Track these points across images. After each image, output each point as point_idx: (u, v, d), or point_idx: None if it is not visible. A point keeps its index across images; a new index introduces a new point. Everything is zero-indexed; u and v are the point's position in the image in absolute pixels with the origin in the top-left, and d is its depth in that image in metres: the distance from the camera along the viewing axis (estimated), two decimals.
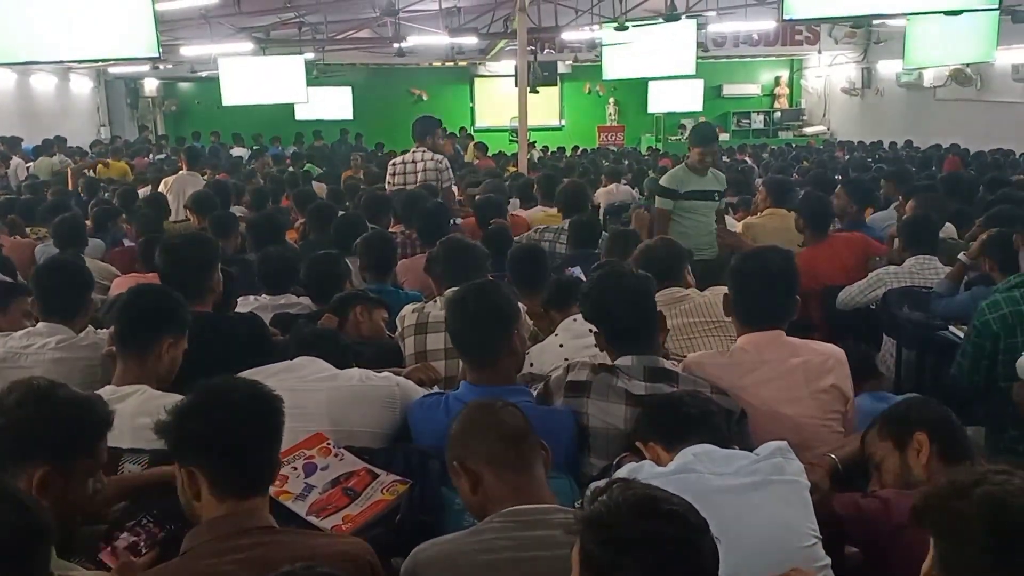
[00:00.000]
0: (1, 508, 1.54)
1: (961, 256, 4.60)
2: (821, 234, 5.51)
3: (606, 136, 22.16)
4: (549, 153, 19.16)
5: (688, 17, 13.74)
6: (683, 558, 1.48)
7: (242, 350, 3.16)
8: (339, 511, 2.37)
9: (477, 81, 24.29)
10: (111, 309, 3.15)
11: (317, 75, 18.84)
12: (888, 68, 19.80)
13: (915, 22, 11.75)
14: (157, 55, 7.12)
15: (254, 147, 18.95)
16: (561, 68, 21.86)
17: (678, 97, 19.41)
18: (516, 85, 13.00)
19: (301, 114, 18.40)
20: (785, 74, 24.69)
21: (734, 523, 1.92)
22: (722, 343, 3.55)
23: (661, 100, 19.82)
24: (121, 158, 14.48)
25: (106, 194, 9.28)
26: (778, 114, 24.27)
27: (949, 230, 6.14)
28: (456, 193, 7.90)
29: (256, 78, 14.41)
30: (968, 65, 15.62)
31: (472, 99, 24.46)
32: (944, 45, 11.79)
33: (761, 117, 24.13)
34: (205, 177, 10.20)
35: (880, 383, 3.75)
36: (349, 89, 20.15)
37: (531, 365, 3.35)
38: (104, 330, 3.28)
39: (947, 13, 8.92)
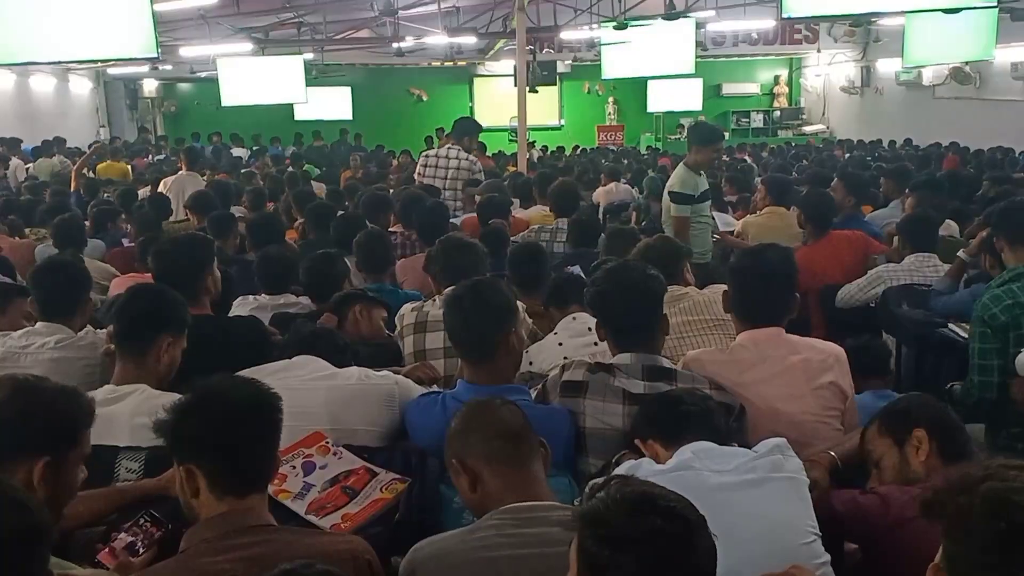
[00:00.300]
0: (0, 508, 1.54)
1: (961, 253, 4.60)
2: (822, 232, 5.51)
3: (605, 135, 22.16)
4: (548, 153, 19.17)
5: (687, 16, 13.74)
6: (680, 555, 1.48)
7: (241, 353, 3.15)
8: (338, 510, 2.37)
9: (476, 81, 24.29)
10: (110, 309, 3.15)
11: (316, 75, 18.84)
12: (887, 67, 19.79)
13: (914, 20, 11.75)
14: (156, 56, 7.12)
15: (253, 147, 18.96)
16: (560, 67, 21.87)
17: (677, 96, 19.41)
18: (515, 85, 13.00)
19: (300, 114, 18.42)
20: (784, 73, 24.69)
21: (733, 520, 1.92)
22: (721, 341, 3.55)
23: (660, 99, 19.83)
24: (120, 159, 14.49)
25: (106, 195, 9.29)
26: (777, 113, 24.27)
27: (952, 228, 6.14)
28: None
29: (255, 78, 14.41)
30: (967, 63, 15.62)
31: (471, 99, 24.45)
32: (943, 43, 11.79)
33: (760, 116, 24.12)
34: (204, 178, 10.20)
35: (885, 381, 3.74)
36: (348, 89, 20.16)
37: (530, 364, 3.36)
38: (103, 330, 3.28)
39: (946, 11, 8.94)
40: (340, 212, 6.50)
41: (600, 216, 9.12)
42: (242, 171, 12.94)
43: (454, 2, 15.97)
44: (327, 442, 2.57)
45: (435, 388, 3.03)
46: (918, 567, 1.55)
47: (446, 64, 21.91)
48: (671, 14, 12.75)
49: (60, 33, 6.75)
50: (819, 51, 21.78)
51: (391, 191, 8.40)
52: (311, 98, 15.63)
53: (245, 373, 2.60)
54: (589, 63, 20.40)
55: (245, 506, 1.96)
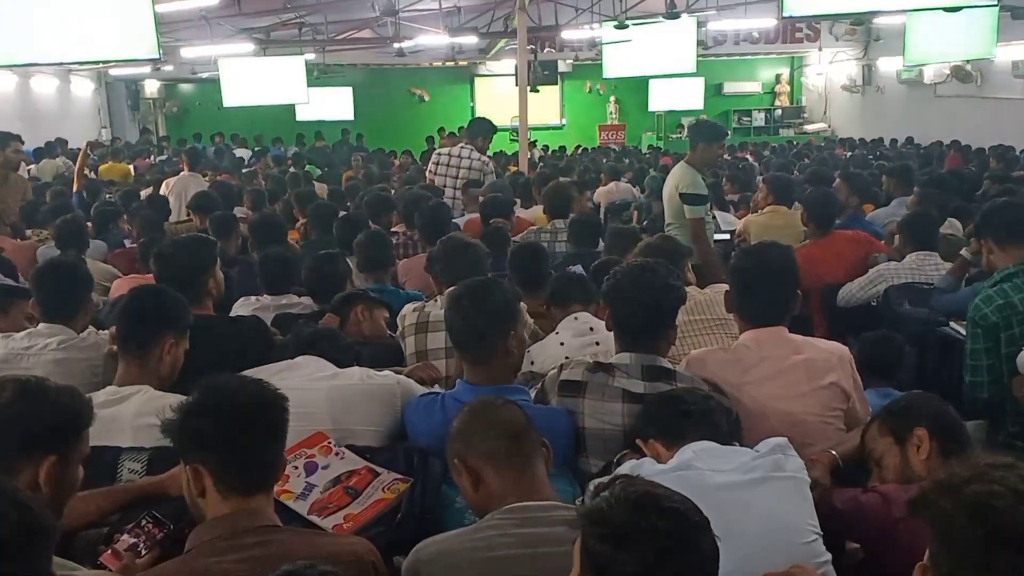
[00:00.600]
0: (2, 508, 1.54)
1: (964, 252, 4.60)
2: (824, 231, 5.50)
3: (607, 135, 22.16)
4: (549, 152, 19.18)
5: (688, 15, 13.74)
6: (682, 555, 1.48)
7: (244, 353, 3.16)
8: (340, 510, 2.37)
9: (478, 80, 24.29)
10: (112, 310, 3.16)
11: (318, 76, 18.84)
12: (888, 65, 19.78)
13: (915, 19, 11.75)
14: (158, 57, 7.13)
15: (255, 148, 18.97)
16: (561, 67, 21.89)
17: (679, 95, 19.40)
18: (516, 84, 13.01)
19: (302, 115, 18.41)
20: (786, 72, 24.69)
21: (734, 520, 1.92)
22: (722, 341, 3.55)
23: (662, 98, 19.81)
24: (122, 160, 14.50)
25: (108, 196, 9.29)
26: (779, 112, 24.27)
27: (955, 226, 6.14)
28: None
29: (257, 79, 14.42)
30: (968, 62, 15.61)
31: (472, 98, 24.46)
32: (944, 42, 11.80)
33: (762, 115, 24.13)
34: (207, 178, 10.21)
35: (888, 379, 3.74)
36: (350, 89, 20.16)
37: (531, 363, 3.36)
38: (105, 331, 3.29)
39: (947, 10, 8.94)
40: (342, 212, 6.51)
41: (601, 216, 9.13)
42: (244, 171, 12.96)
43: (455, 2, 15.98)
44: (329, 442, 2.57)
45: (436, 388, 3.03)
46: None
47: (447, 64, 21.92)
48: (672, 13, 12.75)
49: (62, 35, 6.76)
50: (820, 50, 21.78)
51: (393, 191, 8.42)
52: (312, 98, 15.64)
53: (248, 373, 2.60)
54: (590, 62, 20.40)
55: (251, 506, 1.97)
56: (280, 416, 2.05)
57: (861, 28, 20.41)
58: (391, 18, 15.59)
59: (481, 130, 7.91)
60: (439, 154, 8.06)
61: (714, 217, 6.29)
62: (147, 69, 20.10)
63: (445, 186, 7.71)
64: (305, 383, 2.79)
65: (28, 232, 7.04)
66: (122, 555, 2.10)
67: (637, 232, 5.60)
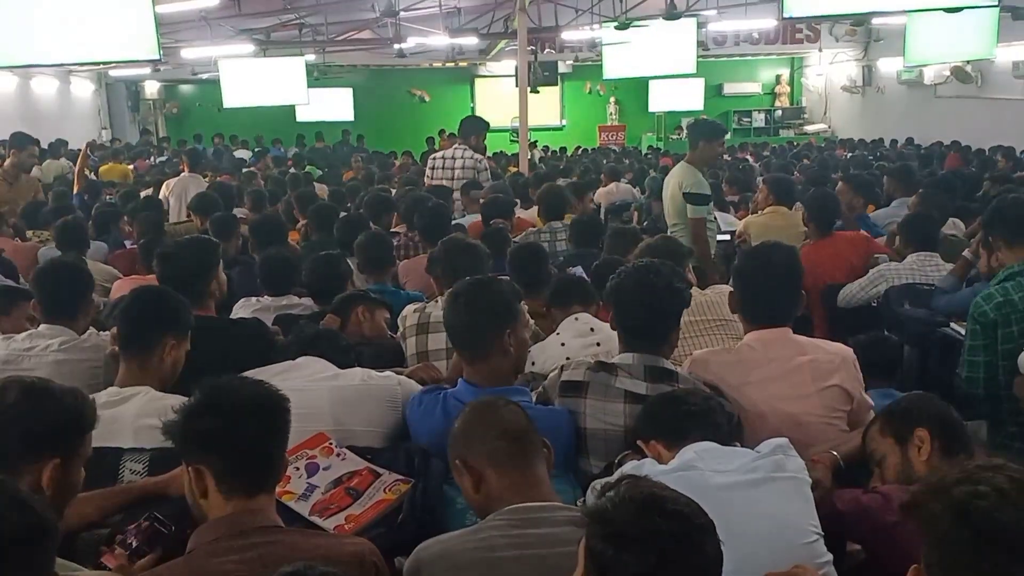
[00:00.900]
0: (5, 508, 1.54)
1: (965, 253, 4.60)
2: (825, 232, 5.50)
3: (607, 135, 22.18)
4: (550, 153, 19.18)
5: (688, 16, 13.73)
6: (685, 557, 1.48)
7: (245, 354, 3.16)
8: (341, 511, 2.38)
9: (478, 81, 24.30)
10: (113, 311, 3.16)
11: (318, 76, 18.86)
12: (889, 66, 19.78)
13: (915, 19, 11.75)
14: (158, 58, 7.13)
15: (256, 149, 18.97)
16: (562, 68, 21.87)
17: (679, 96, 19.39)
18: (516, 85, 13.00)
19: (302, 115, 18.41)
20: (786, 72, 24.69)
21: (735, 520, 1.92)
22: (723, 342, 3.55)
23: (662, 99, 19.80)
24: (122, 160, 14.49)
25: (108, 197, 9.29)
26: (779, 112, 24.26)
27: (958, 226, 6.14)
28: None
29: (257, 80, 14.42)
30: (969, 62, 15.60)
31: (473, 99, 24.46)
32: (945, 42, 11.79)
33: (762, 115, 24.12)
34: (207, 179, 10.21)
35: (889, 380, 3.75)
36: (350, 90, 20.17)
37: (532, 364, 3.36)
38: (106, 332, 3.29)
39: (947, 10, 8.94)
40: (342, 213, 6.52)
41: (602, 216, 9.13)
42: (243, 172, 12.96)
43: (455, 3, 15.99)
44: (331, 443, 2.58)
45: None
46: None
47: (447, 65, 21.92)
48: (672, 14, 12.74)
49: (62, 36, 6.75)
50: (820, 50, 21.78)
51: (393, 192, 8.42)
52: (313, 99, 15.64)
53: (249, 374, 2.60)
54: (590, 63, 20.41)
55: (253, 507, 1.97)
56: (282, 417, 2.05)
57: (861, 29, 20.42)
58: (391, 19, 15.58)
59: (472, 129, 7.90)
60: (434, 158, 8.09)
61: (715, 219, 6.28)
62: (147, 70, 20.10)
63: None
64: (306, 384, 2.80)
65: (29, 233, 7.04)
66: (123, 556, 2.10)
67: (637, 232, 5.59)
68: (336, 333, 3.36)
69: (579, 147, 20.41)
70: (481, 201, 6.81)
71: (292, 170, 13.21)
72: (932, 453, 2.38)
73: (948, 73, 17.15)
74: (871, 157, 14.21)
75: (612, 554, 1.48)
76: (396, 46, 16.71)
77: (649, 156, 17.62)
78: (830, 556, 2.11)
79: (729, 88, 24.07)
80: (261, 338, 3.49)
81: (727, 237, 6.64)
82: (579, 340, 3.47)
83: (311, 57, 17.64)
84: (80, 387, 2.20)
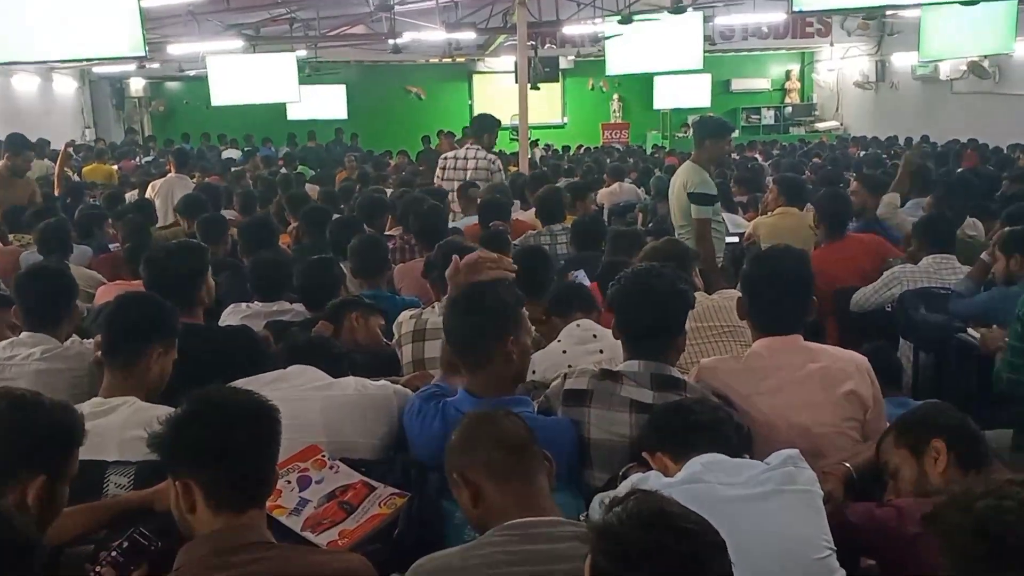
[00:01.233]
0: None
1: (983, 255, 4.60)
2: (837, 234, 5.50)
3: (610, 133, 22.19)
4: (551, 152, 19.19)
5: (694, 9, 13.75)
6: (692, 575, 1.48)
7: (234, 363, 3.17)
8: (335, 526, 2.38)
9: (476, 78, 24.32)
10: (97, 317, 3.17)
11: (310, 73, 18.86)
12: (903, 61, 19.80)
13: (930, 13, 11.75)
14: (144, 54, 7.14)
15: (245, 148, 18.99)
16: (563, 63, 21.90)
17: (685, 92, 19.42)
18: (516, 82, 13.00)
19: (293, 114, 18.43)
20: (796, 68, 24.72)
21: (744, 534, 1.92)
22: (731, 348, 3.55)
23: (667, 96, 19.84)
24: (106, 161, 14.50)
25: (92, 199, 9.29)
26: (789, 109, 24.30)
27: (978, 228, 6.13)
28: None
29: (246, 77, 14.42)
30: (986, 57, 15.61)
31: (471, 96, 24.47)
32: (961, 36, 11.79)
33: (771, 112, 24.15)
34: (195, 180, 10.22)
35: (901, 388, 3.75)
36: (343, 87, 20.18)
37: (533, 372, 3.36)
38: (90, 339, 3.29)
39: (963, 3, 8.95)
40: (335, 215, 6.52)
41: (605, 217, 9.14)
42: (232, 171, 12.97)
43: None
44: (323, 455, 2.58)
45: (435, 383, 2.99)
46: None
47: (444, 61, 21.93)
48: (678, 7, 12.76)
49: (45, 32, 6.76)
50: (832, 45, 21.80)
51: (388, 193, 8.42)
52: (304, 97, 15.64)
53: (238, 384, 2.60)
54: (593, 59, 20.42)
55: (243, 522, 1.97)
56: (272, 428, 2.05)
57: (874, 22, 20.40)
58: (386, 13, 15.62)
59: (484, 126, 7.89)
60: (445, 158, 8.07)
61: (722, 220, 6.28)
62: (132, 67, 20.14)
63: (453, 190, 7.70)
64: (298, 394, 2.80)
65: (10, 237, 7.04)
66: (108, 574, 2.10)
67: (641, 234, 5.60)
68: (329, 340, 3.37)
69: (581, 146, 20.42)
70: (479, 202, 6.81)
71: (283, 170, 13.24)
72: (949, 465, 2.38)
73: (965, 68, 17.16)
74: (884, 155, 14.22)
75: (620, 572, 1.48)
76: (391, 41, 16.70)
77: (654, 155, 17.63)
78: (843, 572, 2.11)
79: (737, 84, 24.11)
80: (251, 346, 3.49)
81: (735, 239, 6.64)
82: (581, 347, 3.47)
83: (302, 53, 17.64)
84: (63, 398, 2.20)
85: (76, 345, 3.32)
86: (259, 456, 2.02)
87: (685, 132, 21.86)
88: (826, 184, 7.81)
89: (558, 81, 22.18)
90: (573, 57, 22.33)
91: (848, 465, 2.61)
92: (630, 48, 13.98)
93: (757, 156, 16.33)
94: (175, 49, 15.72)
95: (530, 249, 4.71)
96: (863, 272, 5.25)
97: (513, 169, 12.48)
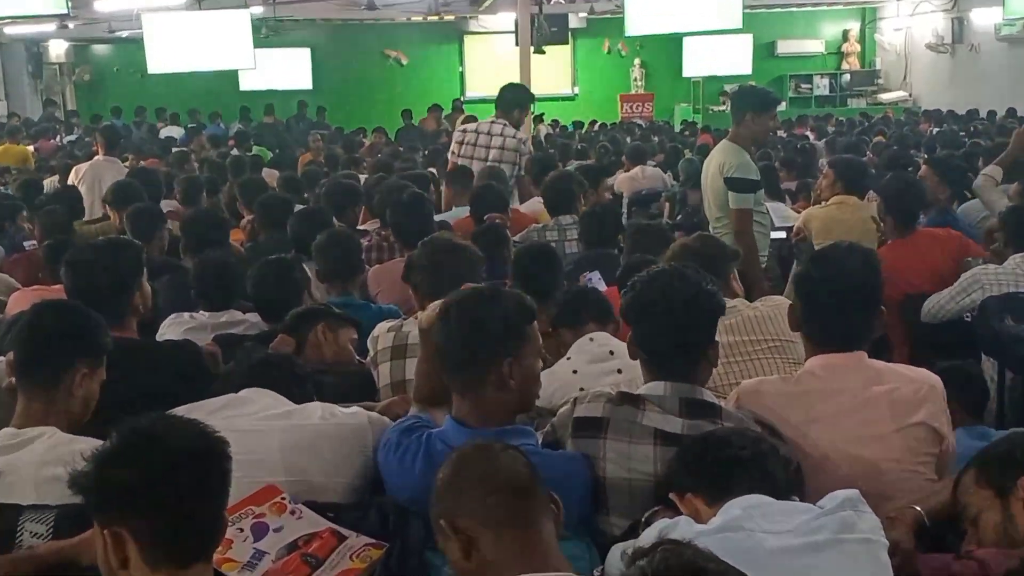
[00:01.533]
0: None
1: None
2: (907, 228, 5.49)
3: (630, 107, 22.23)
4: (559, 129, 19.22)
5: None
6: None
7: (175, 386, 3.17)
8: None
9: (468, 40, 24.37)
10: (10, 331, 3.17)
11: (267, 34, 18.92)
12: (984, 18, 19.83)
13: None
14: (66, 11, 7.16)
15: (189, 125, 19.02)
16: (573, 22, 21.92)
17: (721, 57, 19.47)
18: (517, 44, 13.03)
19: (247, 83, 18.52)
20: (855, 27, 24.77)
21: None
22: (779, 367, 3.55)
23: (699, 61, 19.88)
24: (20, 140, 14.52)
25: (2, 186, 9.31)
26: (847, 77, 24.35)
27: None
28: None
29: (190, 39, 14.45)
30: None
31: (462, 62, 24.54)
32: None
33: (826, 81, 24.22)
34: (127, 164, 10.23)
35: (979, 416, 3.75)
36: (308, 51, 20.27)
37: (537, 397, 3.37)
38: (1, 358, 3.29)
39: None
40: (298, 206, 6.52)
41: (624, 208, 9.16)
42: (173, 153, 12.98)
43: None
44: (283, 498, 2.57)
45: (413, 413, 2.99)
46: None
47: (430, 19, 21.99)
48: None
49: None
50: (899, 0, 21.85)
51: (362, 180, 8.43)
52: (260, 63, 15.67)
53: (180, 411, 2.61)
54: (609, 16, 20.45)
55: None
56: (221, 466, 2.05)
57: None
58: None
59: (515, 100, 7.80)
60: (463, 131, 8.00)
61: (766, 211, 6.28)
62: (52, 27, 20.11)
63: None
64: (252, 423, 2.80)
65: None
66: None
67: (667, 230, 5.60)
68: (290, 358, 3.37)
69: (595, 122, 20.46)
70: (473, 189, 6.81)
71: (234, 152, 13.23)
72: None
73: None
74: (963, 133, 14.24)
75: None
76: None
77: (683, 133, 17.65)
78: None
79: (784, 47, 24.15)
80: (195, 365, 3.49)
81: (782, 234, 6.64)
82: (596, 366, 3.47)
83: (258, 10, 17.67)
84: None
85: None
86: (205, 500, 2.02)
87: (724, 103, 21.88)
88: (892, 167, 7.82)
89: (567, 43, 22.18)
90: (585, 14, 22.36)
91: (919, 509, 2.60)
92: (655, 3, 14.00)
93: (808, 134, 16.34)
94: (103, 5, 15.76)
95: (536, 248, 4.71)
96: (938, 273, 5.24)
97: None
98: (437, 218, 6.20)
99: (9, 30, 20.62)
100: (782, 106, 21.58)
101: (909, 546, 2.46)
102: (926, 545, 2.53)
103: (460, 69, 24.43)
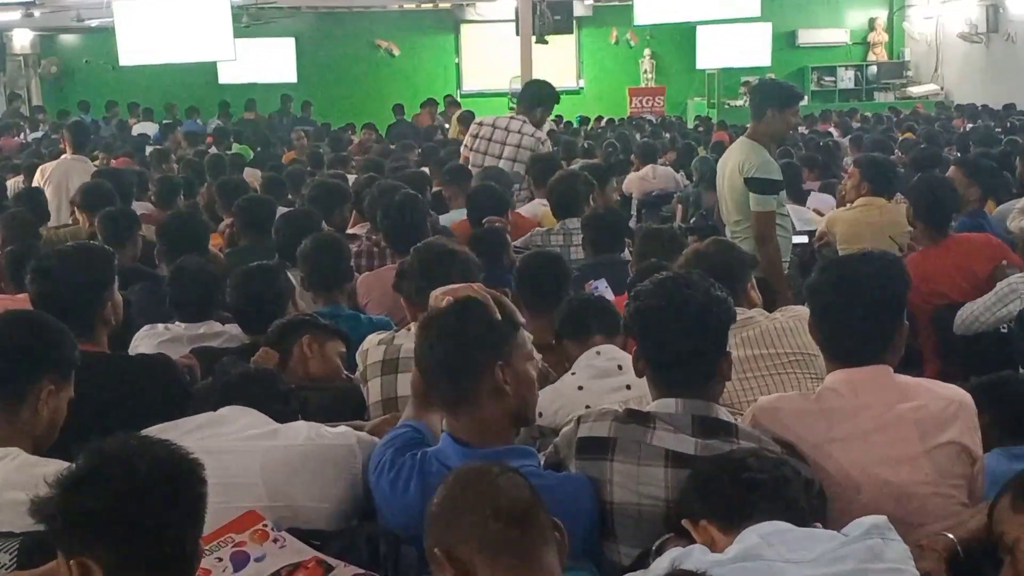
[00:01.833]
0: None
1: None
2: (939, 233, 5.48)
3: (640, 101, 22.29)
4: (563, 125, 19.23)
5: None
6: None
7: (148, 404, 3.16)
8: None
9: (465, 29, 24.41)
10: None
11: (248, 23, 18.93)
12: (1022, 6, 19.85)
13: None
14: None
15: (164, 121, 19.03)
16: (578, 10, 21.95)
17: (737, 48, 19.47)
18: (518, 34, 13.07)
19: (227, 76, 18.52)
20: (882, 15, 24.80)
21: None
22: (800, 383, 3.55)
23: (714, 53, 19.89)
24: None
25: None
26: (873, 69, 24.37)
27: None
28: None
29: (165, 28, 14.46)
30: None
31: (458, 53, 24.58)
32: None
33: (850, 74, 24.25)
34: (97, 163, 10.23)
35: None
36: (292, 42, 20.28)
37: (540, 415, 3.36)
38: None
39: None
40: (282, 209, 6.52)
41: (633, 211, 9.18)
42: (147, 151, 12.98)
43: None
44: (265, 525, 2.57)
45: (407, 422, 2.98)
46: None
47: (423, 7, 22.04)
48: None
49: None
50: None
51: (351, 180, 8.43)
52: (241, 54, 15.71)
53: (153, 431, 2.60)
54: (617, 3, 20.52)
55: None
56: (194, 490, 2.05)
57: None
58: None
59: (538, 98, 7.82)
60: (479, 124, 8.02)
61: (787, 214, 6.28)
62: (16, 15, 20.15)
63: (479, 166, 7.66)
64: (232, 444, 2.80)
65: None
66: None
67: (678, 234, 5.60)
68: (272, 374, 3.36)
69: (602, 117, 20.47)
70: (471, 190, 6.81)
71: (212, 150, 13.24)
72: None
73: None
74: (999, 129, 14.25)
75: None
76: None
77: (697, 129, 17.67)
78: None
79: (805, 36, 24.18)
80: (170, 381, 3.49)
81: (804, 239, 6.65)
82: (603, 382, 3.47)
83: None
84: None
85: None
86: (177, 527, 2.01)
87: (744, 94, 21.86)
88: (922, 167, 7.82)
89: (572, 33, 22.24)
90: (591, 2, 22.44)
91: (952, 536, 2.60)
92: None
93: (832, 130, 16.37)
94: None
95: (541, 256, 4.70)
96: (973, 281, 5.23)
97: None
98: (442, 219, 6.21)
99: None
100: (804, 100, 21.62)
101: None
102: (959, 575, 2.52)
103: (456, 60, 24.47)
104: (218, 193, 7.63)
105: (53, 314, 3.14)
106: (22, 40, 23.15)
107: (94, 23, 19.39)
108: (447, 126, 16.65)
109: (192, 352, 4.02)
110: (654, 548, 2.46)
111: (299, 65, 20.40)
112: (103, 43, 17.41)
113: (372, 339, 3.76)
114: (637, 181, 10.20)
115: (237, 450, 2.78)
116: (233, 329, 4.32)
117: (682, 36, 21.46)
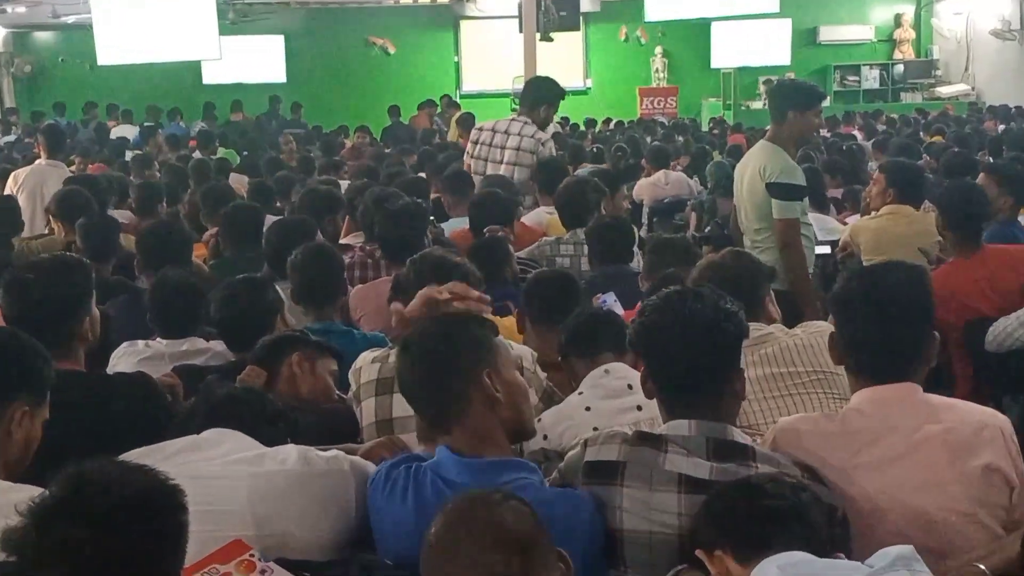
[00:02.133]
0: None
1: None
2: (970, 244, 5.47)
3: (651, 103, 22.30)
4: (570, 127, 19.25)
5: None
6: None
7: (127, 426, 3.16)
8: None
9: (465, 26, 24.46)
10: None
11: (234, 20, 19.02)
12: None
13: None
14: None
15: (144, 124, 19.05)
16: (585, 5, 21.96)
17: (754, 46, 19.49)
18: (521, 31, 13.09)
19: (212, 76, 18.54)
20: (909, 11, 24.84)
21: None
22: (823, 404, 3.54)
23: (730, 51, 19.92)
24: None
25: None
26: (899, 68, 24.39)
27: None
28: None
29: (146, 26, 14.50)
30: None
31: (457, 51, 24.63)
32: None
33: (875, 73, 24.28)
34: (73, 168, 10.24)
35: None
36: (281, 39, 20.32)
37: (544, 438, 3.37)
38: None
39: None
40: (270, 217, 6.53)
41: (644, 219, 9.18)
42: (127, 156, 12.99)
43: None
44: (252, 555, 2.57)
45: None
46: None
47: (421, 1, 22.05)
48: None
49: None
50: None
51: (344, 186, 8.44)
52: (227, 53, 15.77)
53: (133, 455, 2.61)
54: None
55: None
56: (175, 518, 2.06)
57: None
58: None
59: (542, 95, 7.83)
60: (479, 130, 8.06)
61: (810, 223, 6.28)
62: None
63: (482, 174, 7.71)
64: (216, 469, 2.80)
65: None
66: None
67: (691, 244, 5.60)
68: (260, 394, 3.36)
69: (611, 119, 20.50)
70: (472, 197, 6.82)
71: (196, 154, 13.26)
72: None
73: None
74: None
75: None
76: None
77: (712, 132, 17.69)
78: None
79: (827, 34, 24.21)
80: (151, 401, 3.49)
81: (826, 249, 6.64)
82: (611, 402, 3.47)
83: None
84: None
85: None
86: (159, 558, 2.02)
87: (762, 95, 21.89)
88: (954, 173, 7.83)
89: (579, 30, 22.24)
90: None
91: (983, 568, 2.60)
92: None
93: (855, 133, 16.39)
94: None
95: (551, 275, 4.69)
96: (1006, 295, 5.22)
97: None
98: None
99: None
100: (826, 101, 21.62)
101: None
102: None
103: (455, 59, 24.52)
104: (202, 200, 7.63)
105: (27, 330, 3.14)
106: None
107: (71, 19, 19.47)
108: (446, 129, 16.68)
109: (174, 370, 4.02)
110: None
111: (288, 64, 20.45)
112: (80, 41, 17.47)
113: (366, 357, 3.75)
114: (648, 187, 10.20)
115: (222, 475, 2.78)
116: (218, 346, 4.31)
117: (696, 33, 21.49)
